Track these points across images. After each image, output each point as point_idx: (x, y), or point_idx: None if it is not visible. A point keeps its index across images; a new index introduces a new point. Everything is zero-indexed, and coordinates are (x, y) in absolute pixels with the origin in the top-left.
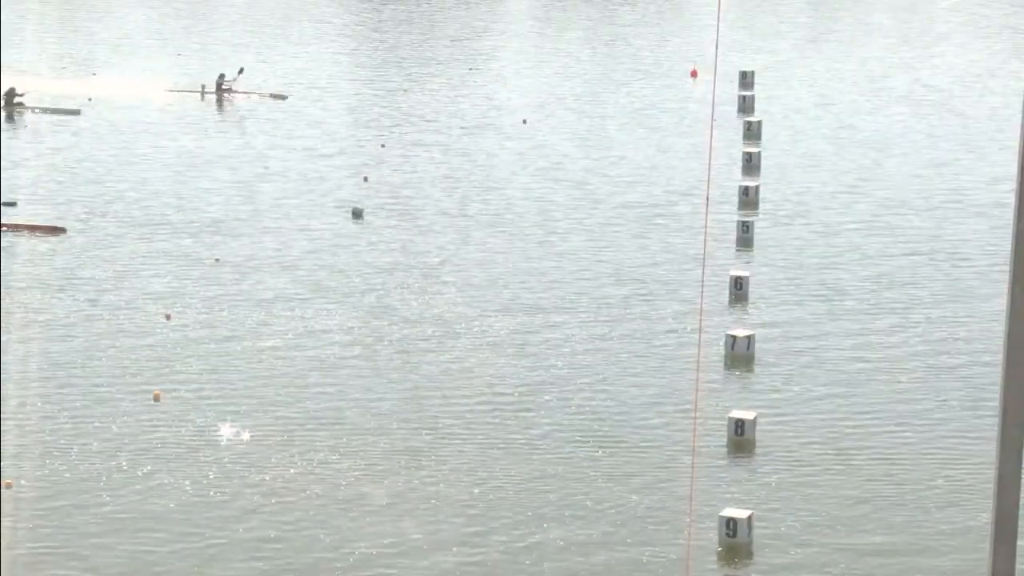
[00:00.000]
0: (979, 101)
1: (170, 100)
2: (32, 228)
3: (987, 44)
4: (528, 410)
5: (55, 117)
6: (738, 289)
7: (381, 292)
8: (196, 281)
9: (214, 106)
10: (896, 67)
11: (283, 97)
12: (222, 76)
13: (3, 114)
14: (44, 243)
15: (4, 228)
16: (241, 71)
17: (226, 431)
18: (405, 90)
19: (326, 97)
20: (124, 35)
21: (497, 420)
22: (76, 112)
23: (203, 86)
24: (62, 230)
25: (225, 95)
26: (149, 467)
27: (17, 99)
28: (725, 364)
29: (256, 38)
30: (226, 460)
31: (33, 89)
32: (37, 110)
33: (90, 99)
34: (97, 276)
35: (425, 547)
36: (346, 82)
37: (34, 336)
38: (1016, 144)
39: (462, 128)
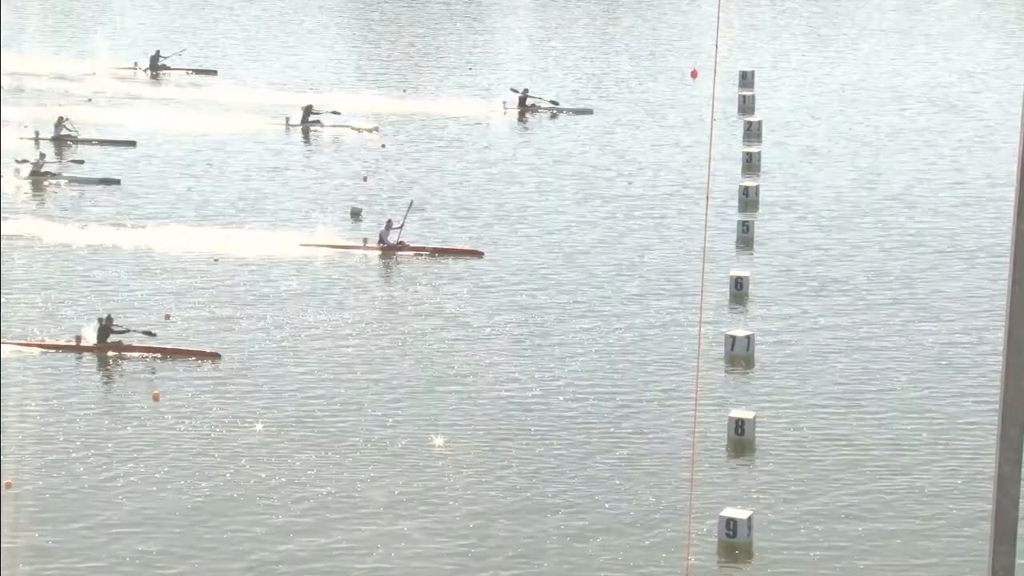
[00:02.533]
0: (983, 98)
1: (469, 114)
2: (450, 252)
3: (988, 42)
4: (529, 409)
5: (352, 132)
6: (738, 289)
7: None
8: None
9: (514, 120)
10: (897, 66)
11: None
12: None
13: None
14: (461, 265)
15: (424, 252)
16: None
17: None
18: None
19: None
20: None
21: (497, 419)
22: (374, 130)
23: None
24: (479, 253)
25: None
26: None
27: (313, 116)
28: (725, 364)
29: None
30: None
31: (332, 106)
32: (334, 127)
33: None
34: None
35: (425, 545)
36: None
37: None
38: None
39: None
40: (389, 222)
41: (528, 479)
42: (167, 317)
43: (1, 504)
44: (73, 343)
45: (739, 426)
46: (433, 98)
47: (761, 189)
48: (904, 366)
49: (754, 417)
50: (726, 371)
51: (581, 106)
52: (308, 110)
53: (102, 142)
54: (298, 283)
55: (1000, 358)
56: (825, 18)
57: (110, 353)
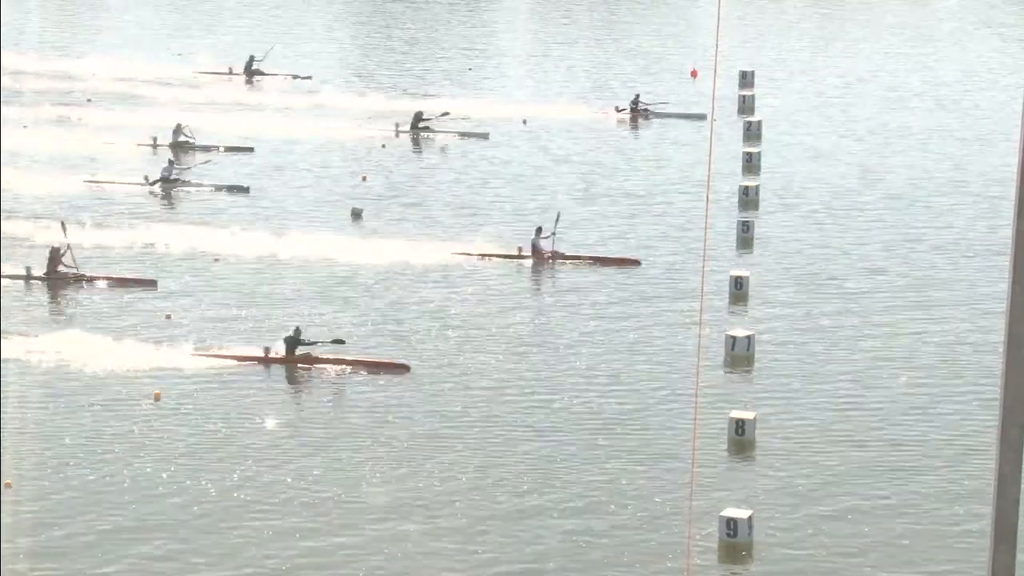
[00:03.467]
0: (986, 96)
1: (577, 114)
2: (607, 261)
3: (989, 41)
4: (528, 409)
5: (464, 141)
6: (738, 289)
7: None
8: None
9: (626, 123)
10: (899, 64)
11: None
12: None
13: (409, 137)
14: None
15: (580, 261)
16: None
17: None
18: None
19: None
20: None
21: (496, 419)
22: (485, 136)
23: (617, 107)
24: (635, 262)
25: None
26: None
27: (423, 123)
28: (725, 364)
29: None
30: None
31: (443, 113)
32: (446, 133)
33: (525, 121)
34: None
35: (425, 544)
36: None
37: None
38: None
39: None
40: (539, 229)
41: (528, 478)
42: (167, 317)
43: (1, 504)
44: (262, 355)
45: (739, 426)
46: (542, 103)
47: (761, 189)
48: (905, 366)
49: (754, 417)
50: (726, 371)
51: (694, 111)
52: (418, 116)
53: (227, 148)
54: (465, 292)
55: (1000, 358)
56: (825, 17)
57: (300, 365)
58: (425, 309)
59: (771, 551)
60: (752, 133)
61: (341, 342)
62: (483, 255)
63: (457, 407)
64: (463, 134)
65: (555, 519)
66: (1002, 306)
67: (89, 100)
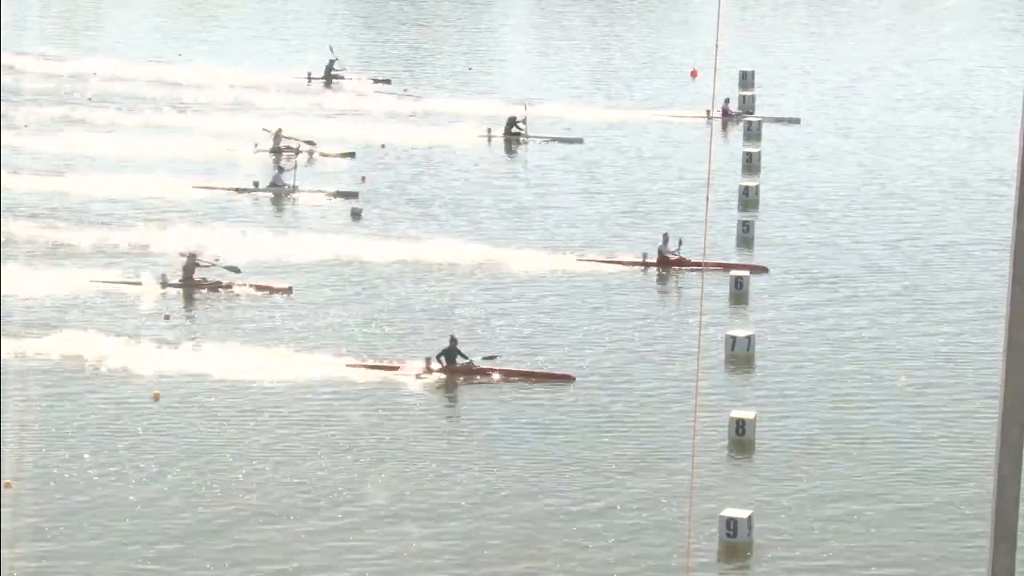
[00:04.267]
0: (984, 96)
1: (665, 122)
2: (735, 267)
3: (990, 40)
4: (528, 408)
5: (558, 145)
6: (738, 289)
7: None
8: None
9: (717, 128)
10: (899, 64)
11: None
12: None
13: (502, 142)
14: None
15: (707, 268)
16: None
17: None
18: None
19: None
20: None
21: (496, 417)
22: (579, 141)
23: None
24: (765, 269)
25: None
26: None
27: (516, 128)
28: (725, 364)
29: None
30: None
31: (528, 116)
32: (540, 139)
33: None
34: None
35: (425, 544)
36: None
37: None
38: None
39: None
40: (666, 235)
41: (528, 478)
42: (167, 318)
43: (1, 504)
44: (423, 366)
45: (739, 426)
46: (628, 107)
47: (761, 189)
48: (905, 365)
49: (754, 417)
50: (726, 371)
51: (788, 116)
52: (511, 122)
53: (321, 154)
54: (599, 300)
55: (1000, 358)
56: (825, 16)
57: (460, 377)
58: (565, 317)
59: (771, 551)
60: (752, 133)
61: (492, 358)
62: (608, 261)
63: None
64: (556, 139)
65: (555, 519)
66: (1002, 306)
67: (90, 99)
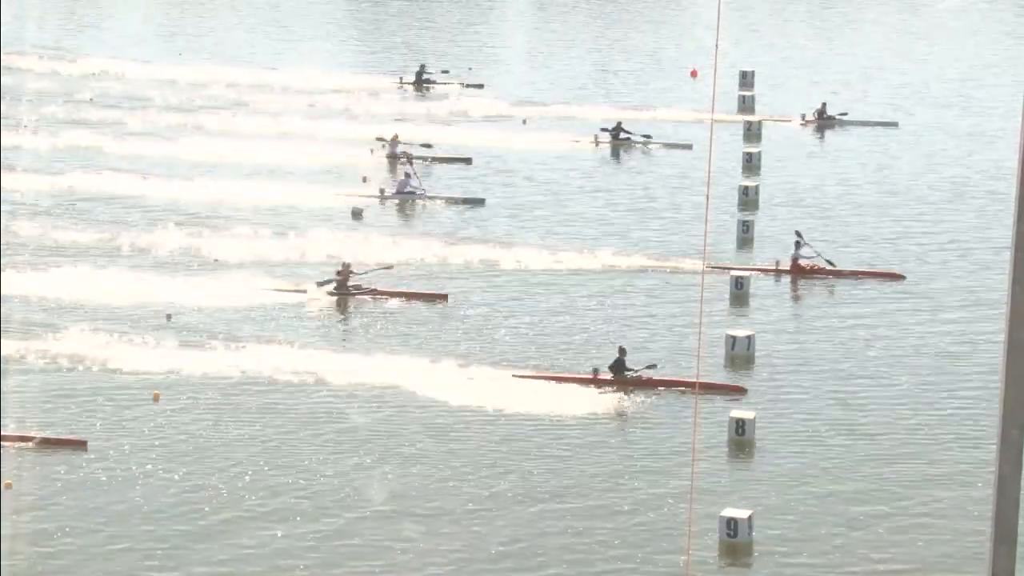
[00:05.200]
0: (985, 95)
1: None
2: (868, 275)
3: (990, 38)
4: (529, 407)
5: (666, 150)
6: (738, 289)
7: None
8: None
9: (813, 130)
10: (899, 63)
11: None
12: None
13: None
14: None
15: (841, 274)
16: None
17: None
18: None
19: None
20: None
21: (495, 416)
22: (688, 146)
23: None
24: (900, 276)
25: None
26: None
27: (624, 134)
28: (725, 364)
29: None
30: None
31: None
32: (649, 146)
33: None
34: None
35: (425, 544)
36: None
37: None
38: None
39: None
40: (798, 243)
41: (528, 478)
42: (168, 318)
43: (1, 504)
44: (589, 375)
45: (739, 426)
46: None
47: (761, 189)
48: (906, 365)
49: (754, 417)
50: (726, 371)
51: (887, 119)
52: (618, 127)
53: (438, 159)
54: (735, 307)
55: (1000, 358)
56: (825, 16)
57: (627, 387)
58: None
59: (771, 551)
60: (752, 133)
61: (652, 367)
62: (742, 268)
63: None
64: (666, 144)
65: (555, 519)
66: (1003, 305)
67: (91, 100)
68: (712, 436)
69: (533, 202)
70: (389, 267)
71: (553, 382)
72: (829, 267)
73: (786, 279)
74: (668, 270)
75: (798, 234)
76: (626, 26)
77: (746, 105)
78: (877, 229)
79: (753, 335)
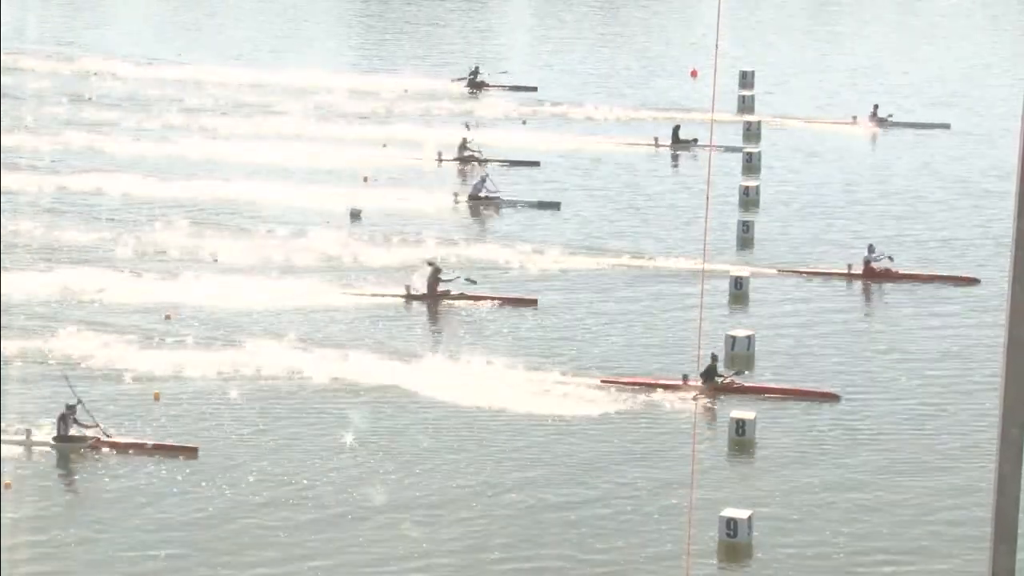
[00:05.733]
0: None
1: (819, 129)
2: (943, 279)
3: (990, 37)
4: (530, 406)
5: (728, 154)
6: (738, 289)
7: None
8: None
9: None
10: (899, 61)
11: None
12: None
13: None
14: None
15: (915, 279)
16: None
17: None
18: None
19: None
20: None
21: (494, 416)
22: (751, 151)
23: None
24: (975, 281)
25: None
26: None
27: (682, 139)
28: (725, 364)
29: None
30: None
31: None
32: (712, 148)
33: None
34: None
35: (425, 544)
36: None
37: None
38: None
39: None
40: (871, 247)
41: (528, 477)
42: (167, 318)
43: (1, 504)
44: (679, 382)
45: (739, 426)
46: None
47: (761, 189)
48: (906, 365)
49: (754, 417)
50: (726, 371)
51: (937, 120)
52: (676, 130)
53: (506, 163)
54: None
55: (1000, 356)
56: (825, 15)
57: (718, 394)
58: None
59: (771, 551)
60: (752, 134)
61: (739, 373)
62: (813, 273)
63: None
64: (730, 148)
65: (555, 519)
66: (1003, 304)
67: (90, 99)
68: (712, 436)
69: (605, 205)
70: (473, 283)
71: (642, 388)
72: (900, 271)
73: (858, 283)
74: (748, 274)
75: (871, 248)
76: (635, 26)
77: (746, 105)
78: (954, 232)
79: (753, 335)
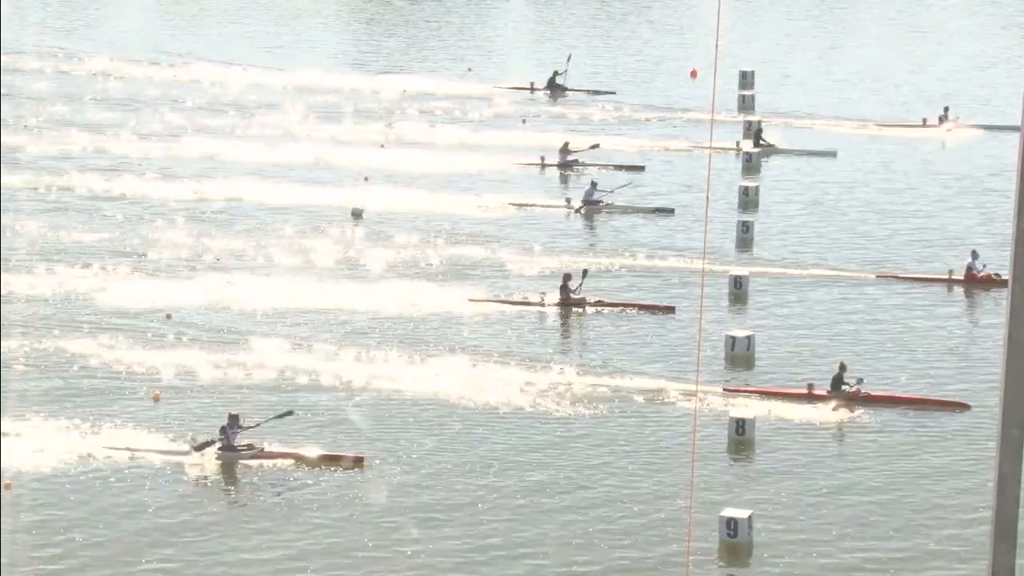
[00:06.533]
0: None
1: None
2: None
3: (990, 36)
4: (528, 407)
5: (808, 159)
6: (738, 289)
7: None
8: None
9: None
10: (899, 61)
11: None
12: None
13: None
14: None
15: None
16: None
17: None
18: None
19: None
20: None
21: (493, 416)
22: (833, 154)
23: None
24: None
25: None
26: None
27: (762, 141)
28: (725, 364)
29: None
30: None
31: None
32: (789, 152)
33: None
34: None
35: (424, 543)
36: None
37: None
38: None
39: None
40: (975, 252)
41: (528, 478)
42: (168, 317)
43: (1, 504)
44: (804, 391)
45: (739, 426)
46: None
47: (761, 189)
48: (906, 364)
49: (754, 417)
50: (726, 371)
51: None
52: (758, 135)
53: (610, 166)
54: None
55: (1000, 357)
56: (825, 14)
57: (849, 404)
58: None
59: (771, 551)
60: (752, 133)
61: (860, 381)
62: (907, 278)
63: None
64: (809, 152)
65: (554, 519)
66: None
67: (91, 99)
68: (712, 436)
69: (714, 210)
70: (600, 302)
71: (767, 397)
72: (1001, 278)
73: (959, 289)
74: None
75: (973, 254)
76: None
77: (746, 105)
78: None
79: (753, 335)
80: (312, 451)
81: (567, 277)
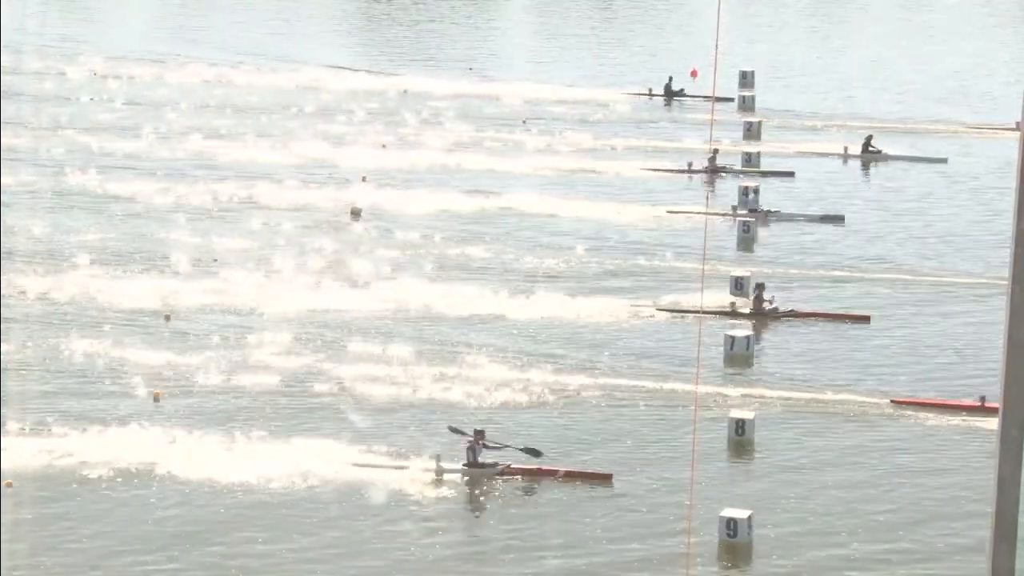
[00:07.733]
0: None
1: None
2: None
3: (990, 36)
4: (529, 406)
5: (920, 165)
6: (738, 290)
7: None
8: None
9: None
10: (899, 60)
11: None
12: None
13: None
14: None
15: None
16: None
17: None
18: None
19: None
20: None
21: (492, 416)
22: (943, 160)
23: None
24: None
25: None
26: None
27: (872, 148)
28: (725, 364)
29: None
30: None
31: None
32: (899, 158)
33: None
34: None
35: (422, 543)
36: None
37: None
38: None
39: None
40: None
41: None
42: (167, 318)
43: (1, 504)
44: (977, 403)
45: (739, 426)
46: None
47: (761, 189)
48: (905, 364)
49: (754, 417)
50: (726, 371)
51: None
52: (868, 141)
53: (761, 173)
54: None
55: (1000, 357)
56: (825, 14)
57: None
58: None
59: (771, 551)
60: (752, 134)
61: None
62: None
63: None
64: (918, 158)
65: (554, 519)
66: (1003, 303)
67: (91, 99)
68: (712, 436)
69: (888, 218)
70: (792, 312)
71: (936, 409)
72: None
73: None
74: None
75: None
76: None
77: (746, 105)
78: None
79: (752, 335)
80: (560, 468)
81: (759, 287)
